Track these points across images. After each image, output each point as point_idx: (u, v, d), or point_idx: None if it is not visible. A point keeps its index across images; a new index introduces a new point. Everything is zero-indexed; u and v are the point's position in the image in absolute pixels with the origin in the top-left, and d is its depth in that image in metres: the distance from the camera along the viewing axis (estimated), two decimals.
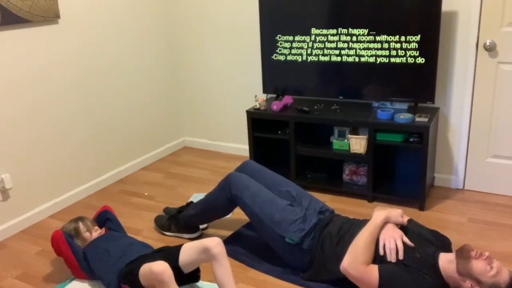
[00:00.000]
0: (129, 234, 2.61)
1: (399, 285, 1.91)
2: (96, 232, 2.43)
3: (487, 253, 1.85)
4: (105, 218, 2.58)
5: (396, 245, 1.98)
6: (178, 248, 2.07)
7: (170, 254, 2.05)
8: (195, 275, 2.14)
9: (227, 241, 2.59)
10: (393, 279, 1.92)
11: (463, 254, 1.88)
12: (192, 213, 2.61)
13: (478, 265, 1.83)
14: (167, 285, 1.86)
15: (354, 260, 1.97)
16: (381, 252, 1.99)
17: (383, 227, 2.06)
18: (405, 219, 2.13)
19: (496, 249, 2.43)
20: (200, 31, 3.82)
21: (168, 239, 2.68)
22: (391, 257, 1.97)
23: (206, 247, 1.98)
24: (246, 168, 2.61)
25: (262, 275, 2.31)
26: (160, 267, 1.88)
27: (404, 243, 2.00)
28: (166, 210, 2.86)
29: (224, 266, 1.97)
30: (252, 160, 2.75)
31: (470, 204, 2.93)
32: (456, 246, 2.46)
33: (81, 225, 2.41)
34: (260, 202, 2.31)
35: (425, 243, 2.03)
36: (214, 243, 1.98)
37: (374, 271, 1.95)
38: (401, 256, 1.96)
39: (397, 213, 2.11)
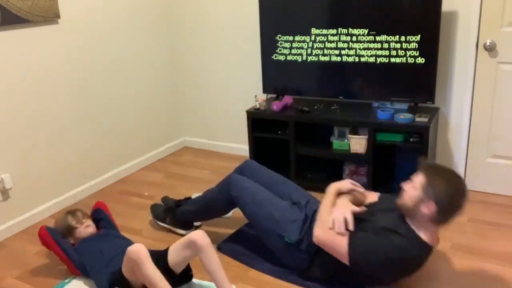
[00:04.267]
0: (129, 234, 2.62)
1: (367, 249, 1.96)
2: (85, 226, 2.44)
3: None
4: (98, 218, 2.59)
5: (346, 218, 2.04)
6: (165, 250, 2.08)
7: (160, 258, 2.05)
8: (187, 275, 2.15)
9: (227, 241, 2.60)
10: (361, 244, 1.98)
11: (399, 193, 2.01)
12: (190, 209, 2.63)
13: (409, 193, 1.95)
14: (143, 263, 1.89)
15: (322, 227, 2.06)
16: (330, 224, 2.05)
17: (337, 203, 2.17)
18: (359, 188, 2.23)
19: (496, 249, 2.43)
20: (200, 31, 3.82)
21: (169, 238, 2.68)
22: (339, 228, 2.02)
23: (192, 240, 2.01)
24: (246, 167, 2.61)
25: (262, 275, 2.31)
26: (135, 247, 1.93)
27: (355, 214, 2.08)
28: (165, 200, 2.86)
29: (211, 255, 2.02)
30: (252, 160, 2.75)
31: (470, 204, 2.90)
32: (457, 247, 2.48)
33: (69, 218, 2.44)
34: (259, 201, 2.32)
35: (390, 212, 2.08)
36: (199, 236, 2.02)
37: (343, 237, 2.01)
38: (350, 227, 2.02)
39: (345, 181, 2.25)
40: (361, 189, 2.25)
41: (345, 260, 2.00)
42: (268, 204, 2.30)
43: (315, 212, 2.30)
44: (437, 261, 2.35)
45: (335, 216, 2.06)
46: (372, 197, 2.29)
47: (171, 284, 1.94)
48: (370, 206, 2.21)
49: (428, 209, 1.89)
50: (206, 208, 2.58)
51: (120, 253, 2.19)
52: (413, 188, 1.94)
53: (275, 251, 2.31)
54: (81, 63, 3.17)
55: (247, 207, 2.34)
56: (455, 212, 1.92)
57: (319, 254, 2.16)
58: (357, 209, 2.11)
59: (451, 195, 1.87)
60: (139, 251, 1.92)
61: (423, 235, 1.95)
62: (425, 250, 1.97)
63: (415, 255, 1.95)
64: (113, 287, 2.09)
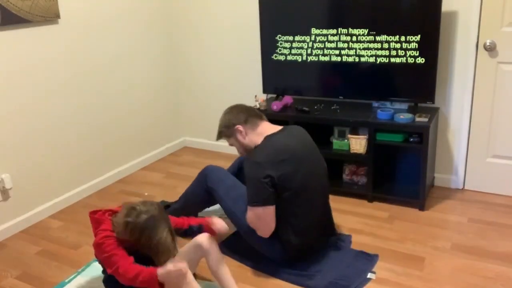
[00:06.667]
0: None
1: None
2: None
3: None
4: None
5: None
6: None
7: None
8: None
9: (227, 241, 2.59)
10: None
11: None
12: (176, 207, 2.68)
13: None
14: (188, 279, 1.86)
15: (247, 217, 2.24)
16: None
17: None
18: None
19: (496, 249, 2.43)
20: (200, 31, 3.82)
21: None
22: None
23: (198, 243, 2.03)
24: (235, 163, 2.74)
25: (262, 275, 2.31)
26: (182, 264, 1.87)
27: None
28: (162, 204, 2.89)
29: (217, 259, 2.03)
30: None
31: (470, 204, 2.93)
32: (457, 247, 2.48)
33: (166, 232, 1.85)
34: (234, 197, 2.37)
35: None
36: (205, 238, 2.04)
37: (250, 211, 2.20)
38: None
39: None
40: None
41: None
42: (242, 200, 2.31)
43: None
44: (437, 261, 2.36)
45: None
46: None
47: None
48: None
49: (239, 132, 2.34)
50: (188, 202, 2.64)
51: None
52: (229, 142, 2.40)
53: (252, 244, 2.35)
54: (81, 63, 3.17)
55: (222, 200, 2.41)
56: (241, 110, 2.39)
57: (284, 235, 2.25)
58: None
59: (227, 111, 2.45)
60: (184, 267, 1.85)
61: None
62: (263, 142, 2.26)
63: (262, 155, 2.19)
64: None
